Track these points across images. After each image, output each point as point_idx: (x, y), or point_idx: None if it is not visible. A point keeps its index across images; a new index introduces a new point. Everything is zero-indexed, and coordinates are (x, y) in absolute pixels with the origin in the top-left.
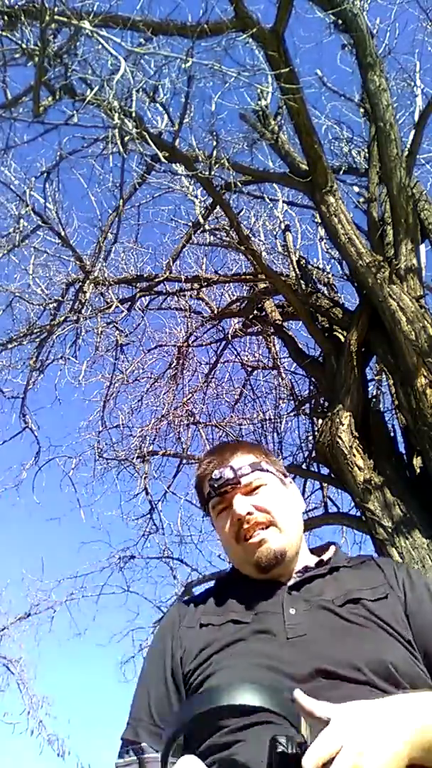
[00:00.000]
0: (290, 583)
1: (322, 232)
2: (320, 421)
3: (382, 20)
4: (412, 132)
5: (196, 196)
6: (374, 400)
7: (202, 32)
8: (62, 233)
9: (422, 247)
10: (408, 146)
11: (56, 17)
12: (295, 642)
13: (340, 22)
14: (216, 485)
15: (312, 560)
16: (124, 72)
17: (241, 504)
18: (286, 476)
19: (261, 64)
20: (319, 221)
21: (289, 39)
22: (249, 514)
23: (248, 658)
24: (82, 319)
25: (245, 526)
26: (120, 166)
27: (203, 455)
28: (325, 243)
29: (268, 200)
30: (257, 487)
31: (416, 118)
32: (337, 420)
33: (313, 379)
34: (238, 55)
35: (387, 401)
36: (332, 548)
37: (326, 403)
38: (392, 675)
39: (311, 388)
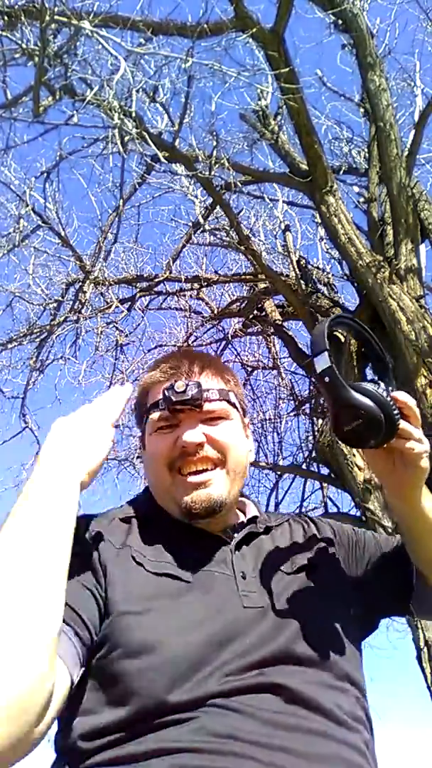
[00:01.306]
0: (233, 539)
1: (322, 232)
2: (320, 421)
3: (382, 20)
4: (412, 132)
5: (196, 196)
6: None
7: (202, 32)
8: (62, 233)
9: (422, 247)
10: (408, 146)
11: (56, 17)
12: (253, 613)
13: (340, 22)
14: (173, 398)
15: (239, 514)
16: (124, 72)
17: (193, 430)
18: (246, 414)
19: (261, 64)
20: (319, 221)
21: (289, 39)
22: (200, 445)
23: (196, 629)
24: (82, 319)
25: (190, 457)
26: (120, 166)
27: (159, 360)
28: (325, 243)
29: (268, 200)
30: (218, 418)
31: (416, 118)
32: None
33: (313, 379)
34: (238, 55)
35: None
36: (249, 502)
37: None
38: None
39: (311, 388)
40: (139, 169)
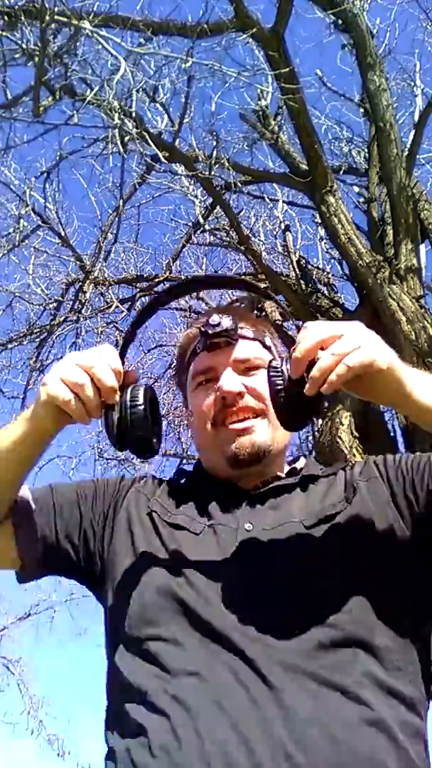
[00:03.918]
0: (255, 492)
1: (322, 232)
2: (320, 421)
3: (382, 20)
4: (412, 132)
5: (196, 196)
6: None
7: (202, 32)
8: (62, 233)
9: (422, 247)
10: (408, 146)
11: (56, 17)
12: (238, 565)
13: (340, 22)
14: (209, 331)
15: (284, 470)
16: (124, 72)
17: (231, 379)
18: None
19: (261, 64)
20: (319, 221)
21: (289, 39)
22: (239, 395)
23: (176, 577)
24: (82, 319)
25: (232, 408)
26: (120, 166)
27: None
28: (325, 243)
29: (268, 200)
30: (255, 368)
31: (416, 118)
32: (337, 420)
33: None
34: (238, 55)
35: None
36: (303, 459)
37: (326, 403)
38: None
39: None
40: (139, 169)
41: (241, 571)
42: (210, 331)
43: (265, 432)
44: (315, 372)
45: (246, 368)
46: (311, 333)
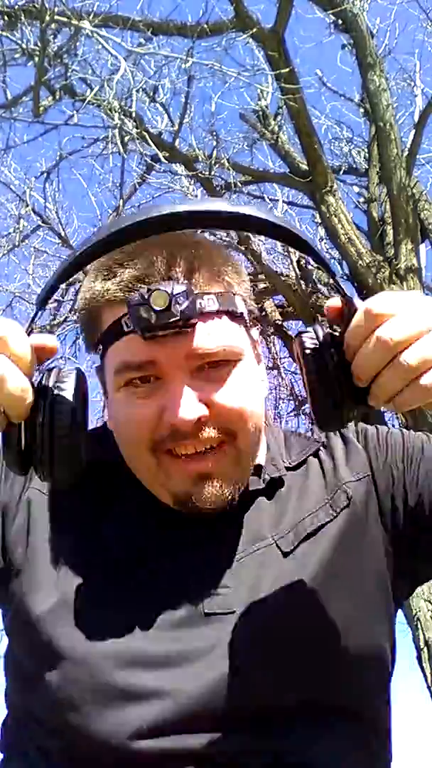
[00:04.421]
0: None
1: (322, 232)
2: None
3: (382, 20)
4: (412, 132)
5: (196, 196)
6: None
7: (202, 32)
8: (62, 233)
9: (422, 247)
10: (408, 146)
11: (56, 17)
12: (216, 623)
13: (340, 22)
14: (151, 320)
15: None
16: (124, 72)
17: (186, 403)
18: (255, 323)
19: (261, 64)
20: (319, 221)
21: (289, 39)
22: (199, 423)
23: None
24: None
25: (183, 440)
26: (120, 166)
27: (116, 258)
28: (325, 243)
29: (268, 200)
30: (222, 364)
31: (416, 118)
32: None
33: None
34: (238, 55)
35: None
36: (264, 441)
37: None
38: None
39: None
40: (139, 169)
41: (205, 633)
42: (153, 322)
43: (231, 474)
44: (377, 391)
45: (208, 363)
46: (379, 328)
